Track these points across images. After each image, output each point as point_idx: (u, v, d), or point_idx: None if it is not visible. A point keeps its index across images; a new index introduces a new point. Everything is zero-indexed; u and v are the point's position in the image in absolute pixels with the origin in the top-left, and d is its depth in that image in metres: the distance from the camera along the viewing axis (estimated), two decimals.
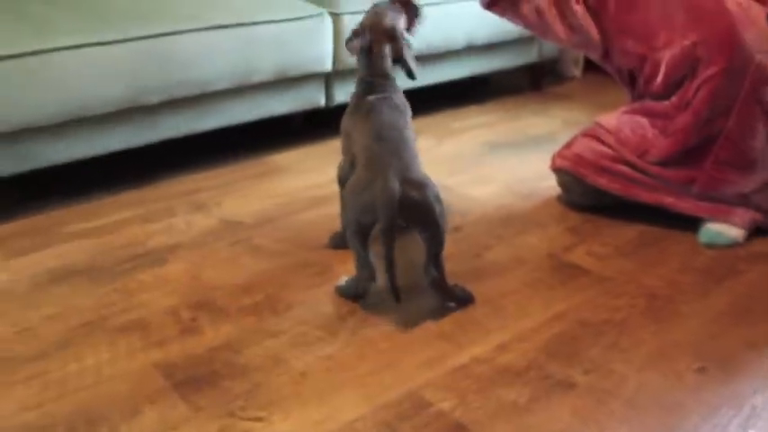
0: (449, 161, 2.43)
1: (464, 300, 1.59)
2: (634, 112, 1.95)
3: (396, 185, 1.43)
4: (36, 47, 1.92)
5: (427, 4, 2.62)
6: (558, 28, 1.93)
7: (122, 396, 1.33)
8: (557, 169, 2.06)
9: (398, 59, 1.72)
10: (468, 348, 1.44)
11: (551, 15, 1.92)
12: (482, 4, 2.01)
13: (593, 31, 1.91)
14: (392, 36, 1.70)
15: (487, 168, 2.38)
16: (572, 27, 1.92)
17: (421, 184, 1.48)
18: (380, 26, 1.70)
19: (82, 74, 1.99)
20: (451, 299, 1.57)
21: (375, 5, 1.77)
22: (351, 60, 2.51)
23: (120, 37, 2.04)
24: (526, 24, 2.01)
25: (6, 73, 1.89)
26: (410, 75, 1.73)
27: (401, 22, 1.75)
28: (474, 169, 2.38)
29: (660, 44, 1.85)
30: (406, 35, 1.75)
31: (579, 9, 1.90)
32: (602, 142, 1.95)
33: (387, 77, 1.71)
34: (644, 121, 1.91)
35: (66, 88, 1.98)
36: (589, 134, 2.00)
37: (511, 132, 2.73)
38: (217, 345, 1.46)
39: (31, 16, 2.05)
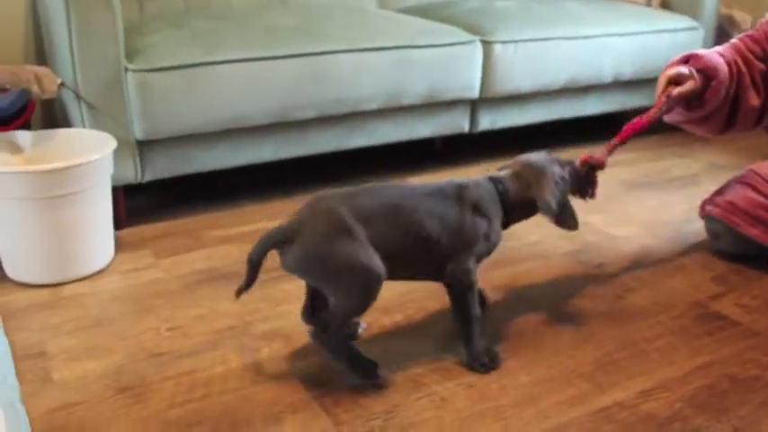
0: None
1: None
2: None
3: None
4: (200, 59, 2.01)
5: (576, 38, 2.63)
6: (752, 94, 1.84)
7: (266, 402, 1.37)
8: (706, 216, 1.99)
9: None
10: (609, 392, 1.41)
11: (745, 84, 1.83)
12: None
13: None
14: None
15: (628, 208, 2.33)
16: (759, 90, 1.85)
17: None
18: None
19: (241, 87, 2.07)
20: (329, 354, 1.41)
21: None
22: (498, 89, 2.53)
23: (280, 54, 2.11)
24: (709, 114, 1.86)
25: (171, 82, 1.99)
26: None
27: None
28: (614, 208, 2.33)
29: None
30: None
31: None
32: (758, 191, 1.88)
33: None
34: None
35: (226, 100, 2.06)
36: (743, 181, 1.93)
37: (652, 172, 2.67)
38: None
39: (199, 30, 2.15)
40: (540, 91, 2.67)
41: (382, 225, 1.35)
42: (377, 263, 1.32)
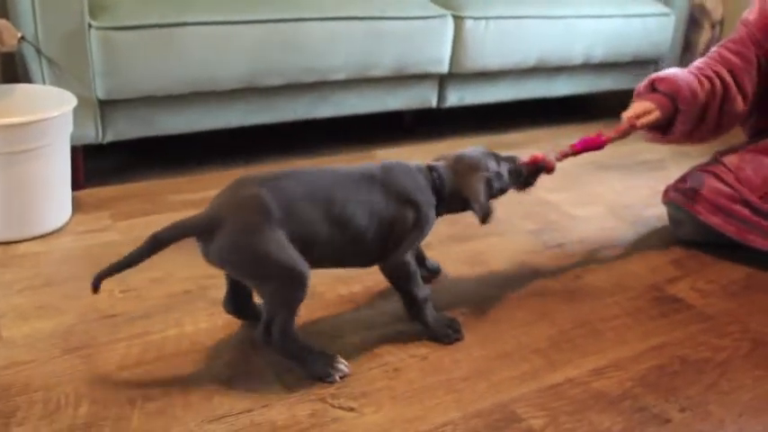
0: (553, 177, 2.38)
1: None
2: (758, 151, 1.90)
3: None
4: (168, 20, 1.98)
5: (548, 17, 2.62)
6: (738, 101, 1.86)
7: (218, 367, 1.35)
8: (669, 202, 2.01)
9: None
10: (562, 369, 1.42)
11: (731, 95, 1.85)
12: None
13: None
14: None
15: (592, 189, 2.34)
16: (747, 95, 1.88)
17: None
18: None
19: (208, 50, 2.04)
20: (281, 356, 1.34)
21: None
22: (467, 64, 2.52)
23: (250, 18, 2.08)
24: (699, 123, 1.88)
25: (136, 42, 1.95)
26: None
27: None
28: (578, 188, 2.34)
29: None
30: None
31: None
32: (721, 180, 1.89)
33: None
34: None
35: (192, 62, 2.03)
36: (707, 169, 1.94)
37: (619, 154, 2.68)
38: (312, 330, 1.48)
39: None
40: (510, 69, 2.67)
41: (309, 214, 1.28)
42: (300, 262, 1.25)
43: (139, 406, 1.24)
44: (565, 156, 1.69)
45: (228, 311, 1.45)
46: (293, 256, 1.24)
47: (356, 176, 1.37)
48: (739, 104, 1.86)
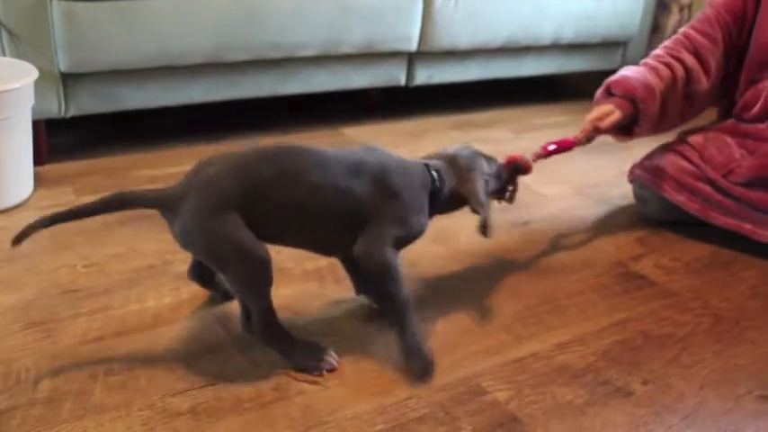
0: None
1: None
2: (722, 130, 1.91)
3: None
4: None
5: None
6: (702, 80, 1.88)
7: (182, 341, 1.34)
8: (634, 180, 2.02)
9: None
10: (527, 343, 1.43)
11: (695, 77, 1.87)
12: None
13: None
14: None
15: (559, 168, 2.35)
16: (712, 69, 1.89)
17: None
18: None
19: (172, 23, 2.01)
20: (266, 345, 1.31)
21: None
22: (436, 43, 2.51)
23: None
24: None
25: (99, 14, 1.92)
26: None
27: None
28: (545, 167, 2.32)
29: (765, 75, 1.83)
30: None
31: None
32: (686, 158, 1.91)
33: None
34: (732, 140, 1.87)
35: (156, 35, 2.00)
36: (672, 148, 1.96)
37: None
38: (277, 305, 1.46)
39: None
40: (479, 48, 2.66)
41: (273, 198, 1.21)
42: (258, 247, 1.20)
43: (101, 380, 1.23)
44: (538, 157, 1.70)
45: (192, 279, 1.42)
46: (250, 240, 1.19)
47: (346, 163, 1.28)
48: (703, 84, 1.87)
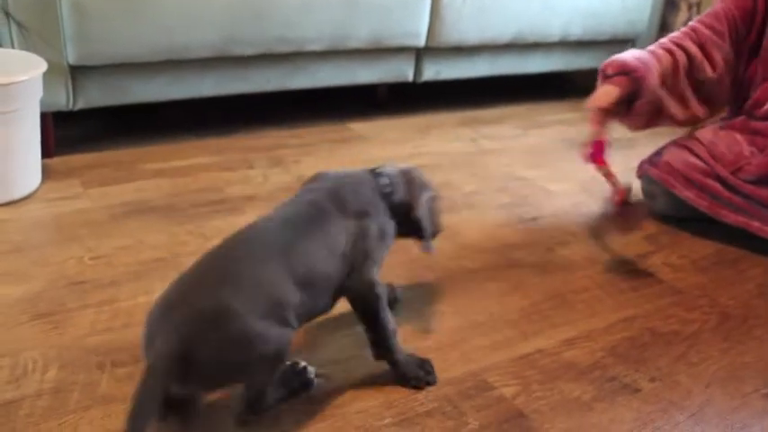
0: (530, 153, 2.40)
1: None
2: (731, 128, 1.91)
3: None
4: None
5: None
6: (706, 67, 1.87)
7: None
8: (643, 176, 2.02)
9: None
10: (533, 339, 1.42)
11: (699, 59, 1.86)
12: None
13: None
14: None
15: (566, 165, 2.34)
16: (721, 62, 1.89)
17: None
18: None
19: (181, 16, 2.01)
20: None
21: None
22: (444, 38, 2.51)
23: None
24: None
25: (109, 6, 1.92)
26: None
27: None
28: (553, 164, 2.35)
29: None
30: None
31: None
32: (695, 154, 1.90)
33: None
34: (741, 137, 1.87)
35: (165, 29, 2.00)
36: (681, 144, 1.95)
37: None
38: None
39: None
40: (487, 44, 2.65)
41: (277, 288, 1.09)
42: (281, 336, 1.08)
43: (108, 371, 1.23)
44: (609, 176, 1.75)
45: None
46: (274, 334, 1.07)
47: (306, 217, 1.19)
48: (708, 73, 1.86)
